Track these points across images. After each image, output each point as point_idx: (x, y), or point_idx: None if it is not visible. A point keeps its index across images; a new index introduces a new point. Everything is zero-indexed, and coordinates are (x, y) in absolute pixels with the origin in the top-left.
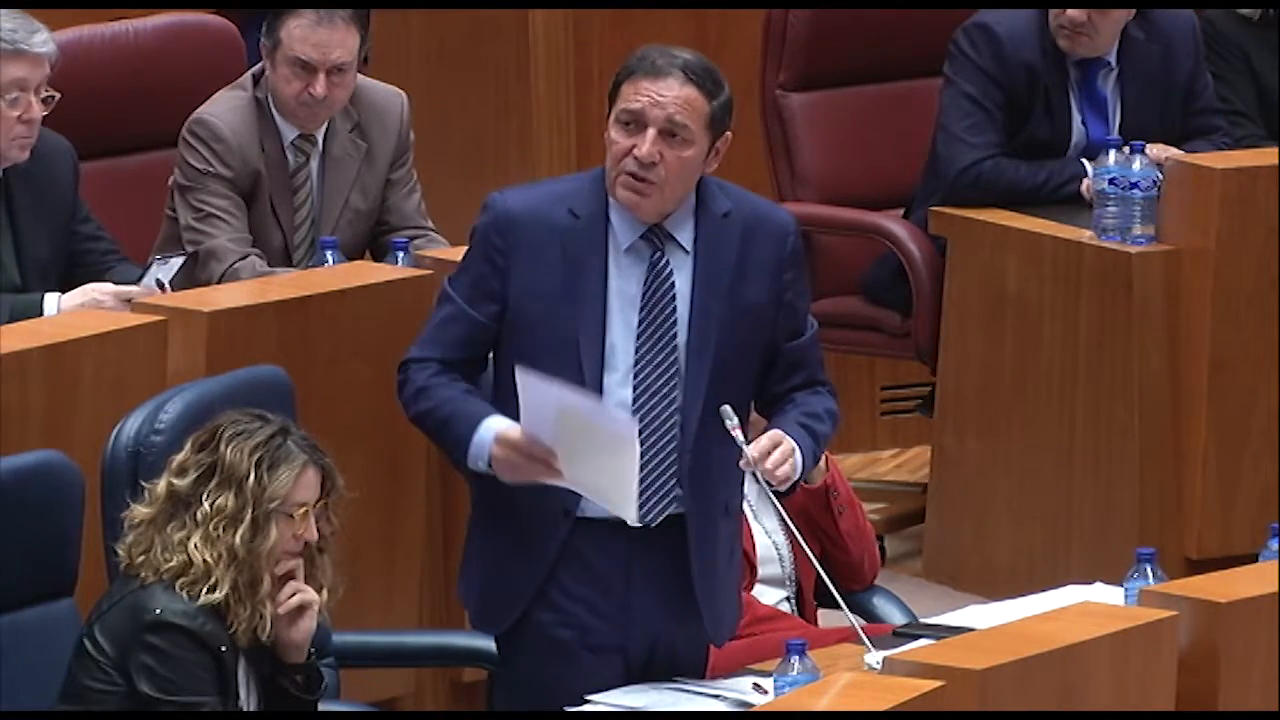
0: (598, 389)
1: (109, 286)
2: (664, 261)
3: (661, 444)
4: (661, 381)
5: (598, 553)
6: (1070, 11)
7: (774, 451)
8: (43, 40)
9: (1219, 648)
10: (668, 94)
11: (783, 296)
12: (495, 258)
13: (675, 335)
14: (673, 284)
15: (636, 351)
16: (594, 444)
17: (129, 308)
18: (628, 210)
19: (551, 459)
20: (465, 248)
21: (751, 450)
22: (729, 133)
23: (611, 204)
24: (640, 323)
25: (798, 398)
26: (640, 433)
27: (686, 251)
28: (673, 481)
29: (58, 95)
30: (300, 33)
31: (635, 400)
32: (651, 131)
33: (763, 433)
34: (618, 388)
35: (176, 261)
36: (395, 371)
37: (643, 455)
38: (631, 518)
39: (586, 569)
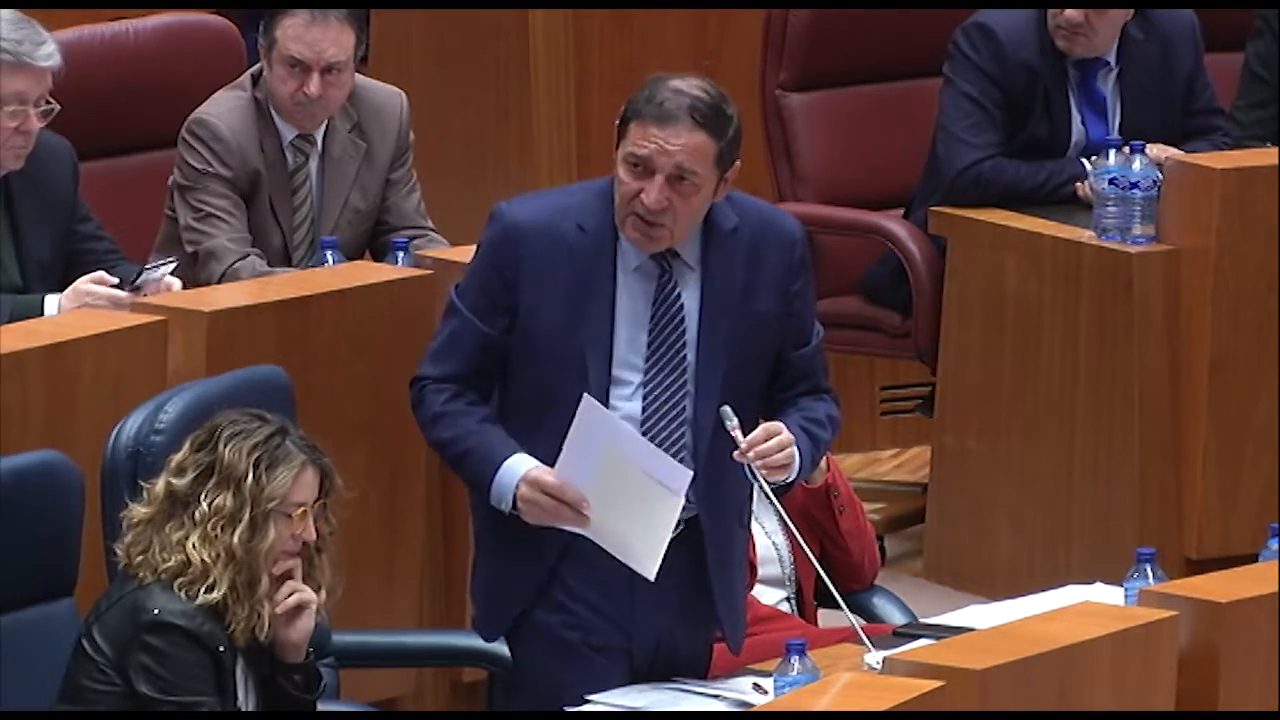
0: (605, 404)
1: (102, 289)
2: (672, 282)
3: (672, 457)
4: (671, 398)
5: (601, 555)
6: (1068, 12)
7: (767, 441)
8: (48, 53)
9: (1219, 648)
10: (675, 142)
11: (790, 306)
12: (504, 271)
13: (684, 353)
14: (681, 303)
15: (645, 370)
16: (635, 494)
17: (128, 308)
18: (638, 247)
19: (583, 505)
20: (465, 248)
21: (744, 442)
22: (738, 162)
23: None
24: (649, 342)
25: (800, 402)
26: None
27: (694, 270)
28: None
29: (57, 107)
30: (294, 31)
31: (644, 416)
32: (659, 179)
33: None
34: (626, 403)
35: (167, 267)
36: (396, 371)
37: None
38: (650, 574)
39: (591, 570)
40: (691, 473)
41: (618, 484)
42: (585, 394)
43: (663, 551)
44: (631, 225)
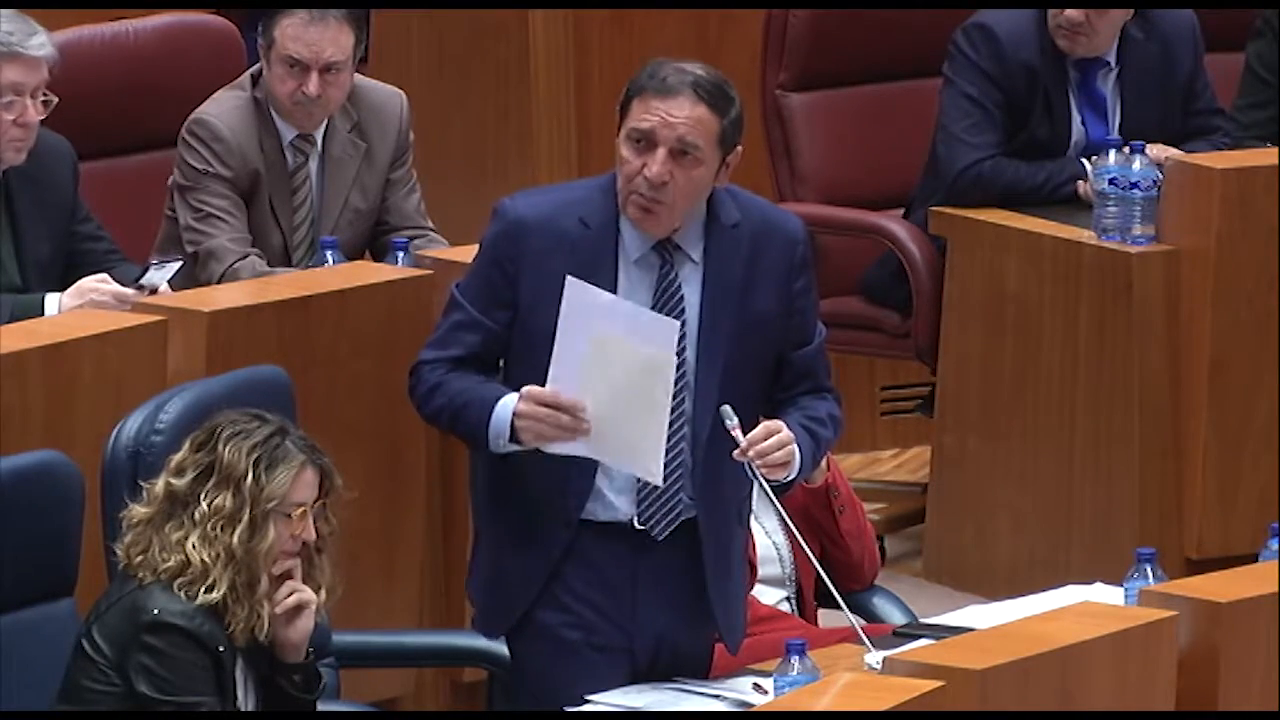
0: None
1: (106, 287)
2: (673, 274)
3: (671, 454)
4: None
5: (603, 555)
6: (1068, 11)
7: (767, 439)
8: (40, 43)
9: (1219, 648)
10: (678, 114)
11: (792, 305)
12: (506, 265)
13: (684, 347)
14: (682, 296)
15: None
16: (629, 377)
17: (128, 308)
18: (638, 227)
19: (578, 411)
20: (465, 248)
21: (744, 441)
22: (740, 147)
23: (621, 215)
24: None
25: (801, 401)
26: None
27: (695, 263)
28: (682, 492)
29: (56, 99)
30: (293, 31)
31: None
32: (662, 151)
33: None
34: None
35: (173, 266)
36: (396, 371)
37: None
38: (656, 478)
39: (592, 571)
40: (678, 323)
41: (610, 372)
42: (568, 275)
43: (664, 448)
44: (633, 204)
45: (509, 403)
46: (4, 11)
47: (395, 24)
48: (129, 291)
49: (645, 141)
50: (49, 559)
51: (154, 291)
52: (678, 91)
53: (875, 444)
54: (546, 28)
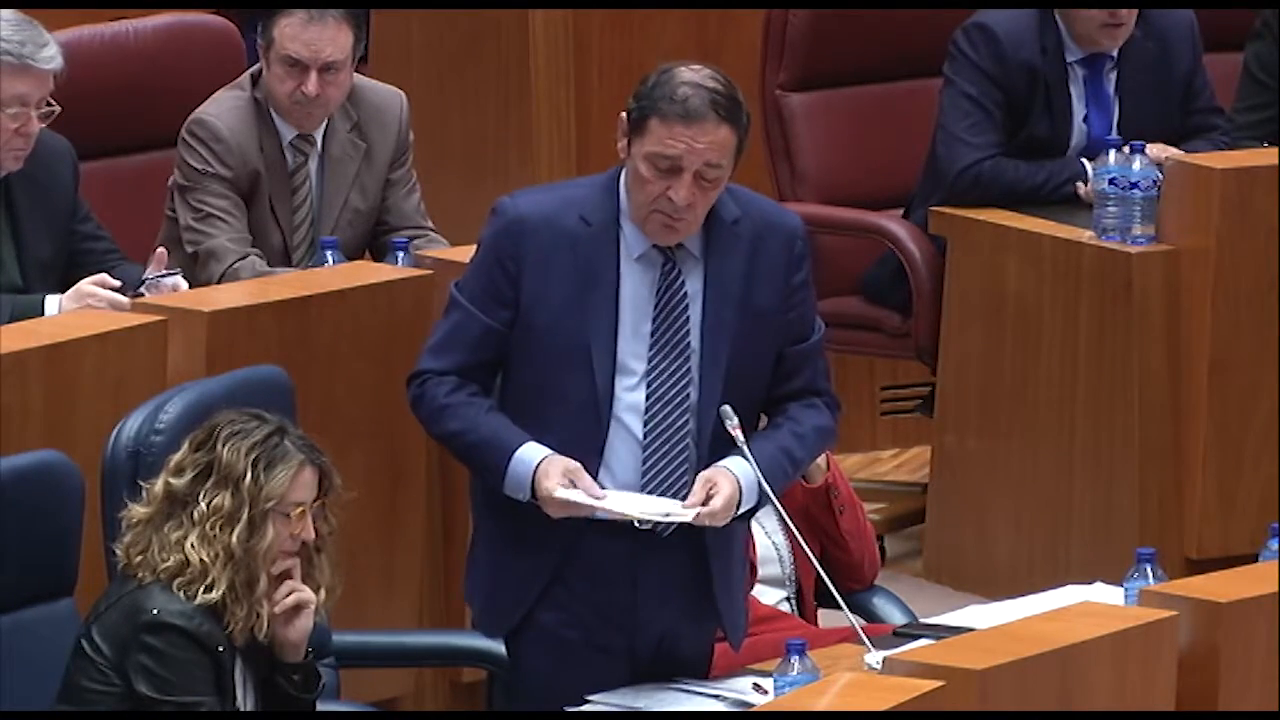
0: (610, 395)
1: (103, 293)
2: (675, 271)
3: (675, 450)
4: (675, 388)
5: (604, 555)
6: (1121, 11)
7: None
8: (50, 55)
9: (1219, 648)
10: (703, 140)
11: (790, 300)
12: (507, 264)
13: (688, 342)
14: (685, 291)
15: (649, 360)
16: (645, 502)
17: (128, 310)
18: (659, 241)
19: (601, 500)
20: (465, 248)
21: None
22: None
23: (623, 212)
24: (653, 332)
25: (792, 410)
26: (654, 439)
27: (697, 259)
28: (687, 489)
29: (57, 109)
30: (291, 31)
31: (648, 406)
32: (688, 176)
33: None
34: (630, 393)
35: (173, 276)
36: (396, 371)
37: (657, 462)
38: (688, 518)
39: (593, 571)
40: (691, 514)
41: (625, 500)
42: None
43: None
44: (656, 222)
45: (527, 459)
46: (11, 16)
47: (395, 24)
48: (125, 300)
49: (670, 166)
50: (49, 559)
51: (157, 294)
52: (701, 116)
53: (875, 444)
54: (546, 28)
